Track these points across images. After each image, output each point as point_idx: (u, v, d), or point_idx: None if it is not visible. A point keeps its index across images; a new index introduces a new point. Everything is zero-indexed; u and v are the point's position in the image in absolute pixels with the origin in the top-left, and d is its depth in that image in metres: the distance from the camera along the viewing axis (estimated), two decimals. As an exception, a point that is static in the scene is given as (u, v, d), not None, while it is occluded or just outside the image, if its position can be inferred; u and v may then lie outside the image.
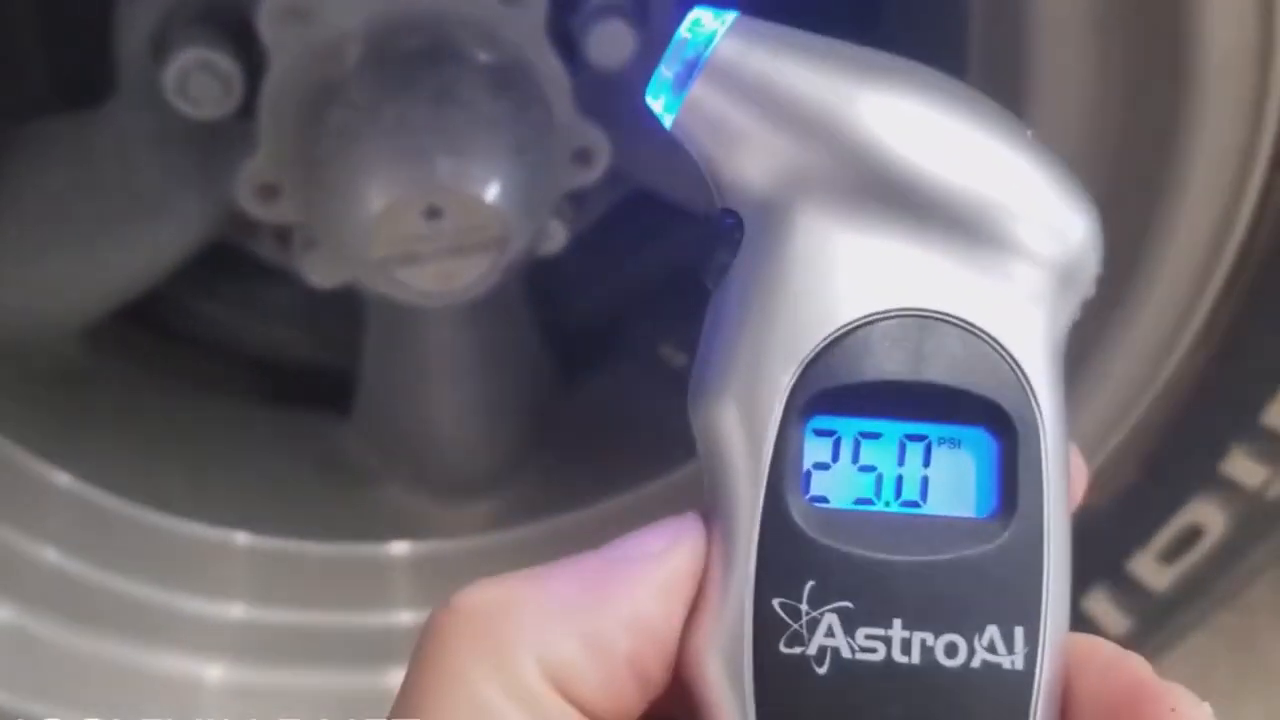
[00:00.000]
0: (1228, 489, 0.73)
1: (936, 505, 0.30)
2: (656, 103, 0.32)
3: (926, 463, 0.30)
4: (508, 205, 0.65)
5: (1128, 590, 0.78)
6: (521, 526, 0.89)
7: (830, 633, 0.29)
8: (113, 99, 0.75)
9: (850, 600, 0.29)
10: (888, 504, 0.30)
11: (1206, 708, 0.29)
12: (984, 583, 0.29)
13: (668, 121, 0.32)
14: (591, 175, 0.76)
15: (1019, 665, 0.29)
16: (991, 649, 0.29)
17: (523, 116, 0.68)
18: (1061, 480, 0.30)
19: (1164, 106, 0.62)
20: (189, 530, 0.82)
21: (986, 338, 0.30)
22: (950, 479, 0.30)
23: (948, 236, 0.30)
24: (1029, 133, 0.31)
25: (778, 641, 0.29)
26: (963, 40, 0.69)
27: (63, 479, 0.78)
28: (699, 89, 0.31)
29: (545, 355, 0.93)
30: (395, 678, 0.82)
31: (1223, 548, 0.76)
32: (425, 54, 0.66)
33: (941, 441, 0.30)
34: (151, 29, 0.72)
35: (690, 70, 0.31)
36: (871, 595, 0.29)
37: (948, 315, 0.30)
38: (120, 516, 0.80)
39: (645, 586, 0.29)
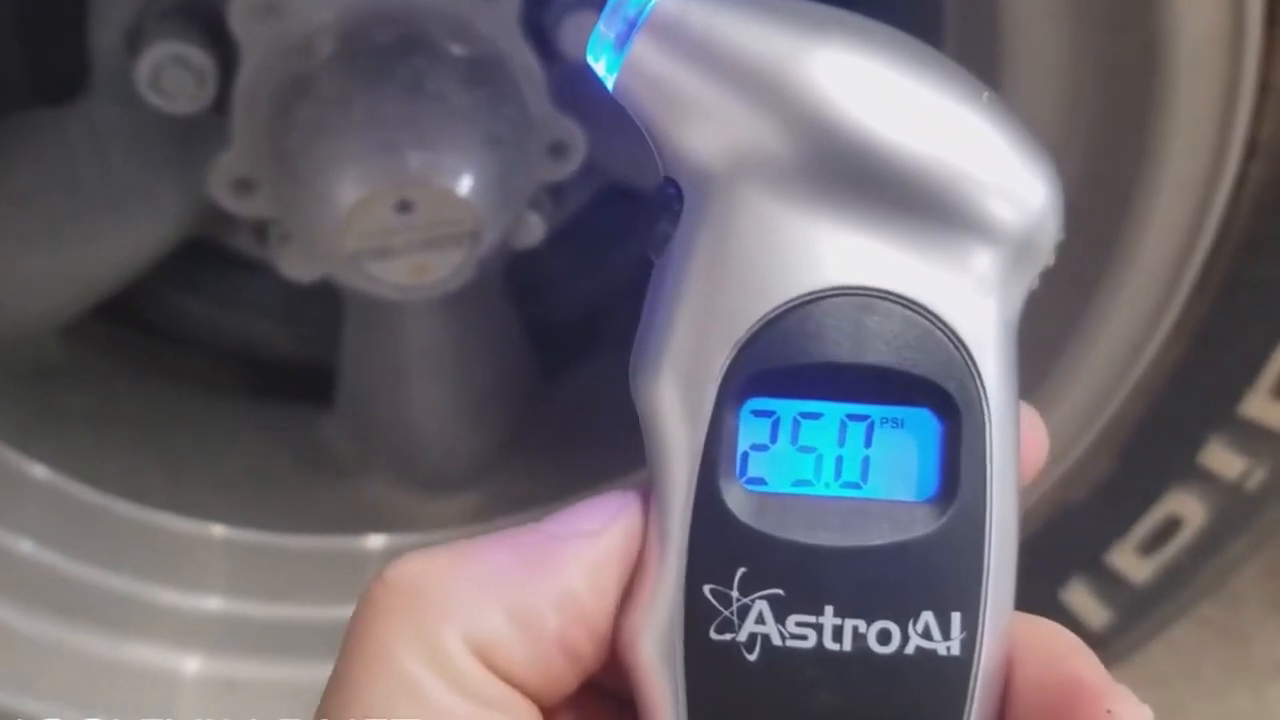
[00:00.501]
0: (1206, 480, 0.73)
1: (877, 488, 0.29)
2: (598, 64, 0.30)
3: (868, 444, 0.30)
4: (480, 198, 0.65)
5: (1107, 582, 0.78)
6: (502, 519, 0.89)
7: (761, 619, 0.29)
8: (87, 93, 0.75)
9: (781, 587, 0.29)
10: (827, 485, 0.29)
11: (1146, 711, 0.28)
12: (920, 568, 0.29)
13: (610, 83, 0.30)
14: (567, 168, 0.76)
15: (955, 651, 0.29)
16: (926, 635, 0.29)
17: (496, 109, 0.68)
18: (1008, 463, 0.30)
19: (1137, 97, 0.62)
20: (166, 523, 0.82)
21: (929, 316, 0.29)
22: (892, 461, 0.29)
23: (896, 207, 0.29)
24: (986, 94, 0.30)
25: (708, 627, 0.29)
26: (937, 26, 0.68)
27: (39, 472, 0.78)
28: (639, 47, 0.29)
29: (526, 348, 0.93)
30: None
31: (1202, 539, 0.75)
32: (397, 47, 0.66)
33: (884, 422, 0.30)
34: (125, 23, 0.71)
35: (630, 28, 0.29)
36: (803, 582, 0.29)
37: (890, 293, 0.29)
38: (97, 509, 0.80)
39: (576, 565, 0.29)
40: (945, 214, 0.29)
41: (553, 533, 0.30)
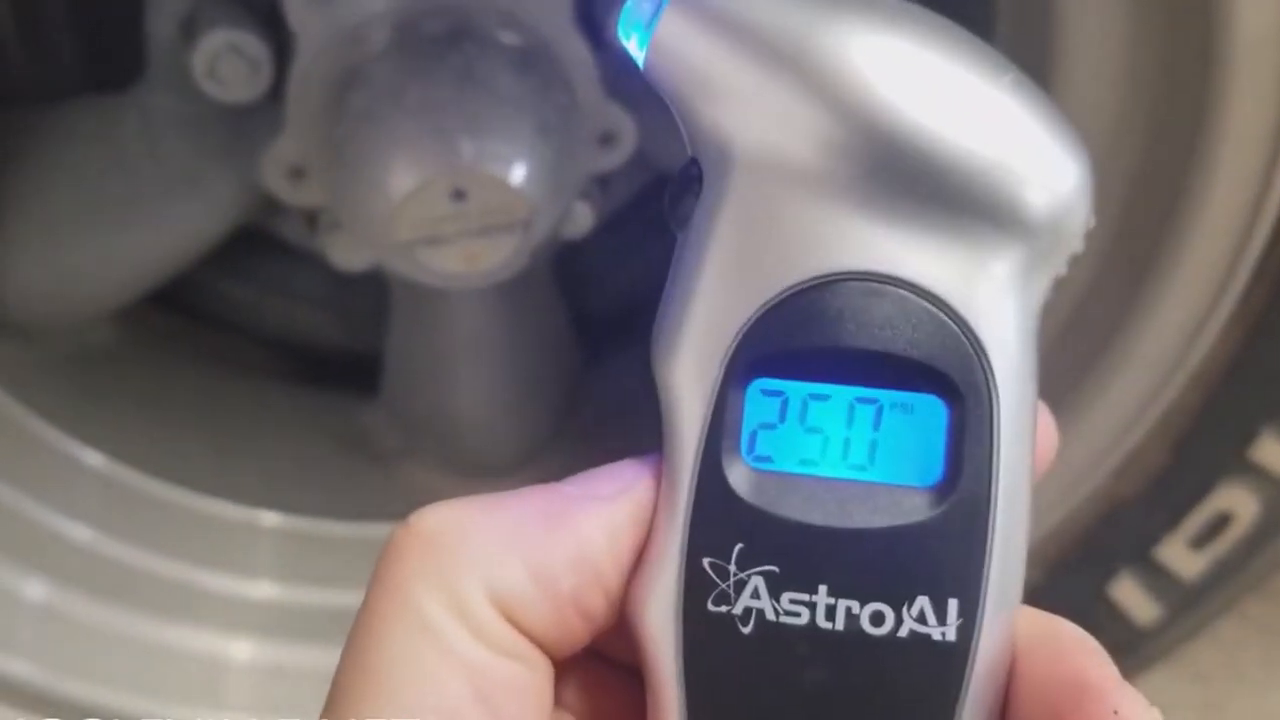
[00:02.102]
0: (1258, 474, 0.73)
1: (882, 471, 0.29)
2: (630, 42, 0.30)
3: (876, 427, 0.29)
4: (533, 187, 0.65)
5: (1157, 577, 0.77)
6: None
7: (756, 594, 0.29)
8: (143, 82, 0.75)
9: (777, 564, 0.29)
10: (832, 467, 0.29)
11: (1155, 713, 0.28)
12: (916, 552, 0.29)
13: (640, 61, 0.30)
14: (617, 158, 0.76)
15: (951, 637, 0.29)
16: (921, 620, 0.29)
17: (547, 98, 0.68)
18: (1019, 455, 0.29)
19: (1195, 86, 0.61)
20: (217, 509, 0.83)
21: (941, 304, 0.29)
22: (899, 445, 0.29)
23: (918, 193, 0.28)
24: (1011, 75, 0.29)
25: (706, 599, 0.29)
26: (992, 13, 0.68)
27: (94, 458, 0.79)
28: (665, 24, 0.29)
29: (570, 339, 0.94)
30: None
31: (1254, 533, 0.75)
32: (449, 37, 0.66)
33: (893, 407, 0.29)
34: (182, 12, 0.72)
35: (658, 5, 0.29)
36: (798, 560, 0.29)
37: (902, 280, 0.28)
38: (150, 495, 0.81)
39: (592, 527, 0.30)
40: (971, 201, 0.28)
41: (571, 493, 0.31)
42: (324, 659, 0.81)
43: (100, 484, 0.79)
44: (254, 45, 0.67)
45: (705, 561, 0.29)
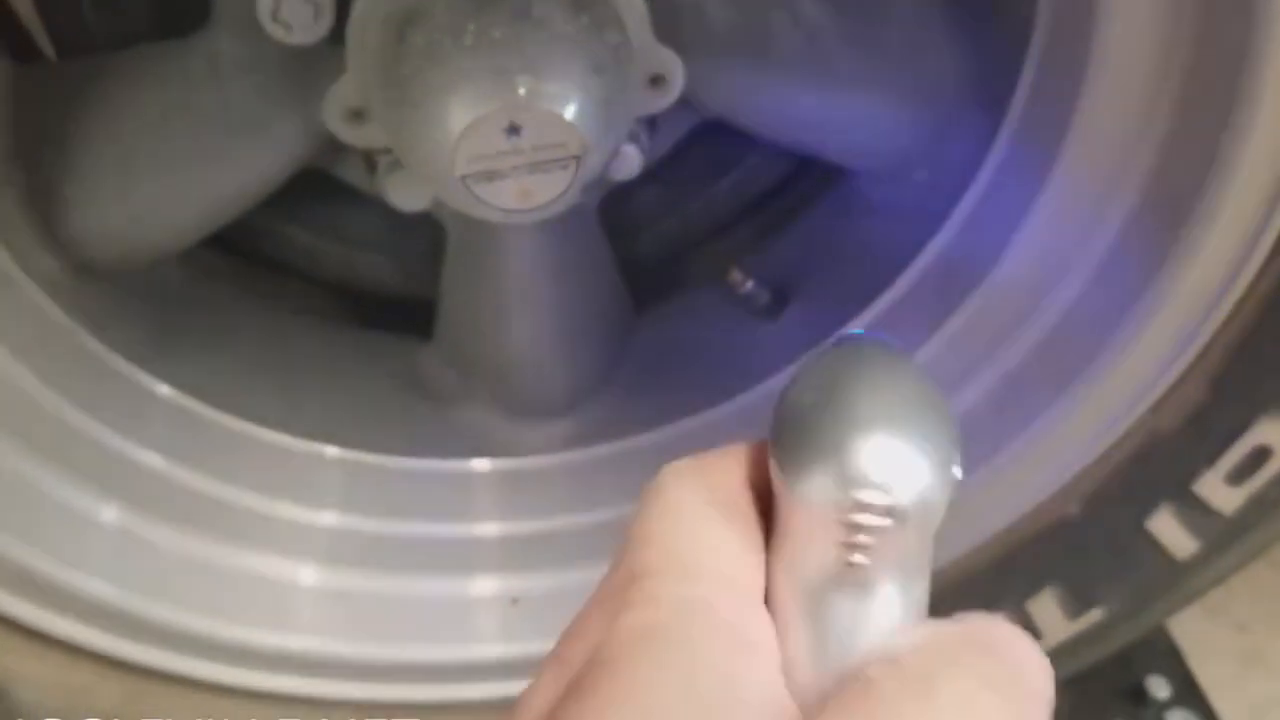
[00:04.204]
0: (1298, 409, 0.73)
1: None
2: None
3: None
4: (585, 123, 0.67)
5: (1196, 511, 0.78)
6: (595, 446, 0.92)
7: None
8: (208, 25, 0.78)
9: None
10: None
11: None
12: None
13: None
14: (666, 100, 0.78)
15: None
16: None
17: (600, 38, 0.70)
18: None
19: (1234, 29, 0.62)
20: (282, 442, 0.86)
21: None
22: None
23: None
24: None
25: None
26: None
27: (164, 390, 0.82)
28: None
29: (619, 282, 0.96)
30: (477, 585, 0.86)
31: (1293, 470, 0.76)
32: (506, -24, 0.68)
33: None
34: (245, -42, 0.75)
35: None
36: None
37: None
38: (218, 427, 0.84)
39: None
40: None
41: None
42: (385, 585, 0.85)
43: (171, 414, 0.82)
44: (316, -13, 0.69)
45: None
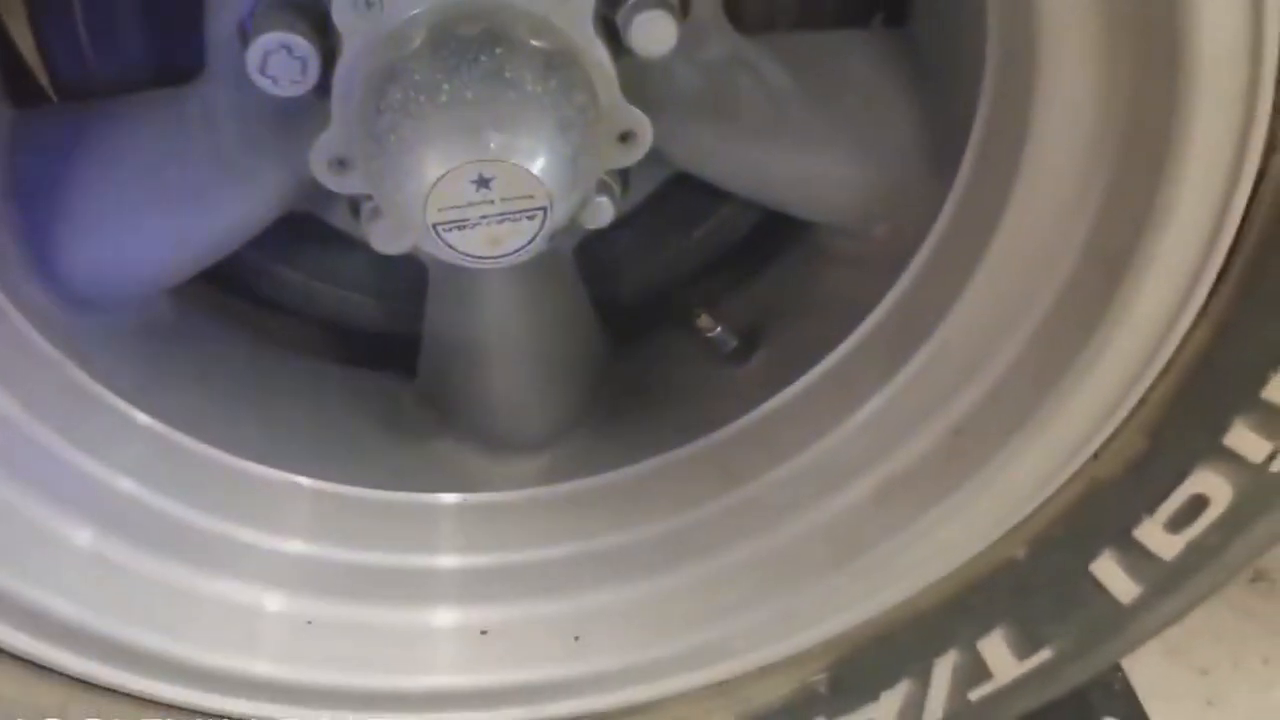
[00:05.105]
0: (1231, 460, 0.77)
1: None
2: None
3: None
4: (552, 176, 0.71)
5: (1137, 557, 0.81)
6: (568, 482, 0.96)
7: None
8: (203, 76, 0.83)
9: None
10: None
11: None
12: None
13: None
14: (635, 155, 0.81)
15: None
16: None
17: (569, 98, 0.74)
18: None
19: (1164, 100, 0.66)
20: (257, 472, 0.90)
21: None
22: None
23: None
24: None
25: None
26: (982, 35, 0.73)
27: (142, 418, 0.86)
28: None
29: (595, 323, 1.00)
30: (438, 616, 0.88)
31: (1228, 517, 0.79)
32: (480, 39, 0.72)
33: None
34: (239, 14, 0.79)
35: None
36: None
37: None
38: (195, 455, 0.87)
39: None
40: None
41: None
42: (349, 613, 0.88)
43: (147, 441, 0.86)
44: (302, 45, 0.73)
45: None
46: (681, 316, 1.02)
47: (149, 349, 0.92)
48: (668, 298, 1.06)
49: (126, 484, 0.84)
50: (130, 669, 0.81)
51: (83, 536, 0.82)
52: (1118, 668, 1.00)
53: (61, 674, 0.80)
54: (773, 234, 1.03)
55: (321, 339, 1.06)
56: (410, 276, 0.97)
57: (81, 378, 0.84)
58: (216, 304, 1.02)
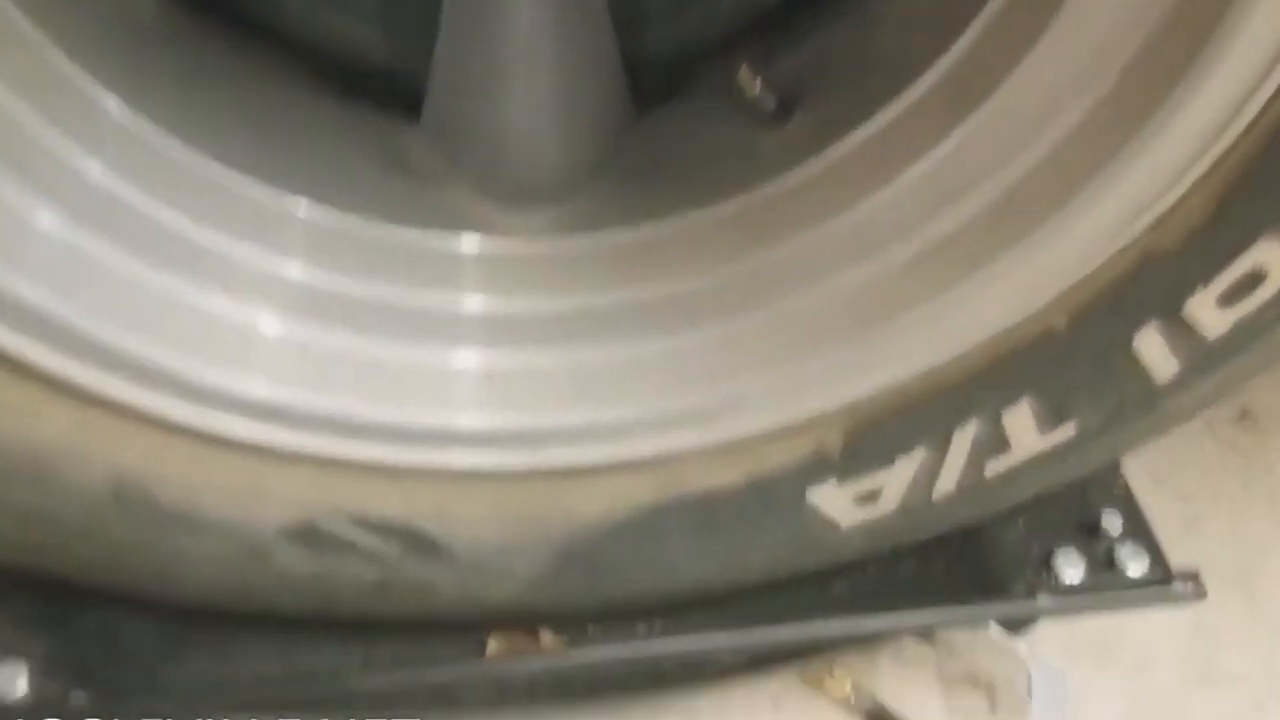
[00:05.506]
0: (1296, 230, 0.74)
1: None
2: None
3: None
4: None
5: (1182, 331, 0.79)
6: (581, 235, 0.90)
7: None
8: None
9: None
10: None
11: None
12: None
13: None
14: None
15: None
16: None
17: None
18: None
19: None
20: (247, 186, 0.82)
21: None
22: None
23: None
24: None
25: None
26: None
27: (123, 110, 0.77)
28: None
29: (620, 71, 0.93)
30: (459, 358, 0.83)
31: (1280, 296, 0.76)
32: None
33: None
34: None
35: None
36: None
37: None
38: (174, 154, 0.79)
39: None
40: None
41: None
42: (348, 343, 0.82)
43: (122, 133, 0.77)
44: None
45: None
46: (715, 80, 0.96)
47: (131, 42, 0.84)
48: (701, 60, 0.99)
49: (98, 172, 0.76)
50: (107, 370, 0.74)
51: (46, 219, 0.73)
52: (1119, 472, 0.99)
53: (37, 372, 0.72)
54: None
55: (322, 71, 0.97)
56: (420, 8, 0.89)
57: (58, 56, 0.75)
58: (208, 27, 0.93)
